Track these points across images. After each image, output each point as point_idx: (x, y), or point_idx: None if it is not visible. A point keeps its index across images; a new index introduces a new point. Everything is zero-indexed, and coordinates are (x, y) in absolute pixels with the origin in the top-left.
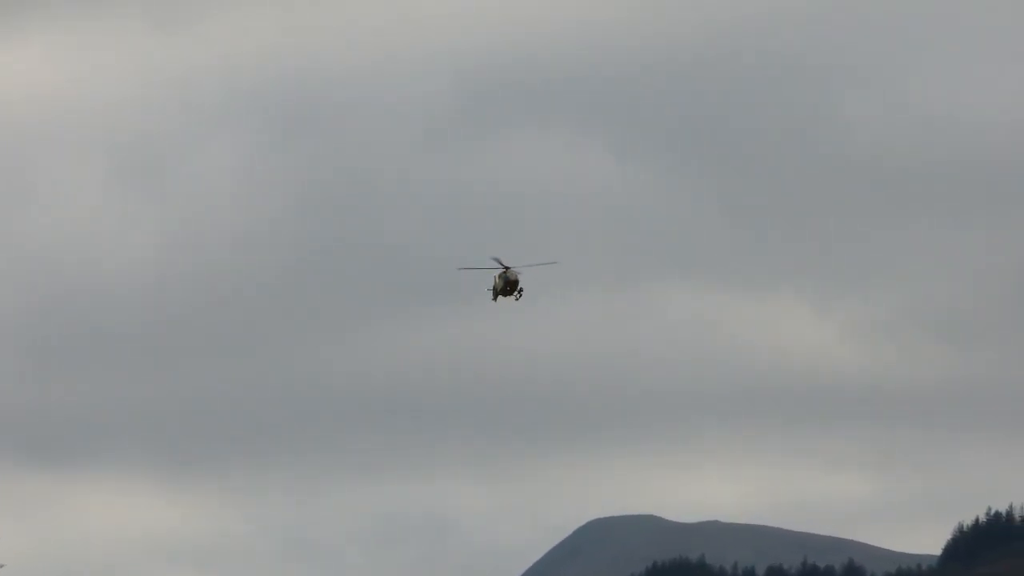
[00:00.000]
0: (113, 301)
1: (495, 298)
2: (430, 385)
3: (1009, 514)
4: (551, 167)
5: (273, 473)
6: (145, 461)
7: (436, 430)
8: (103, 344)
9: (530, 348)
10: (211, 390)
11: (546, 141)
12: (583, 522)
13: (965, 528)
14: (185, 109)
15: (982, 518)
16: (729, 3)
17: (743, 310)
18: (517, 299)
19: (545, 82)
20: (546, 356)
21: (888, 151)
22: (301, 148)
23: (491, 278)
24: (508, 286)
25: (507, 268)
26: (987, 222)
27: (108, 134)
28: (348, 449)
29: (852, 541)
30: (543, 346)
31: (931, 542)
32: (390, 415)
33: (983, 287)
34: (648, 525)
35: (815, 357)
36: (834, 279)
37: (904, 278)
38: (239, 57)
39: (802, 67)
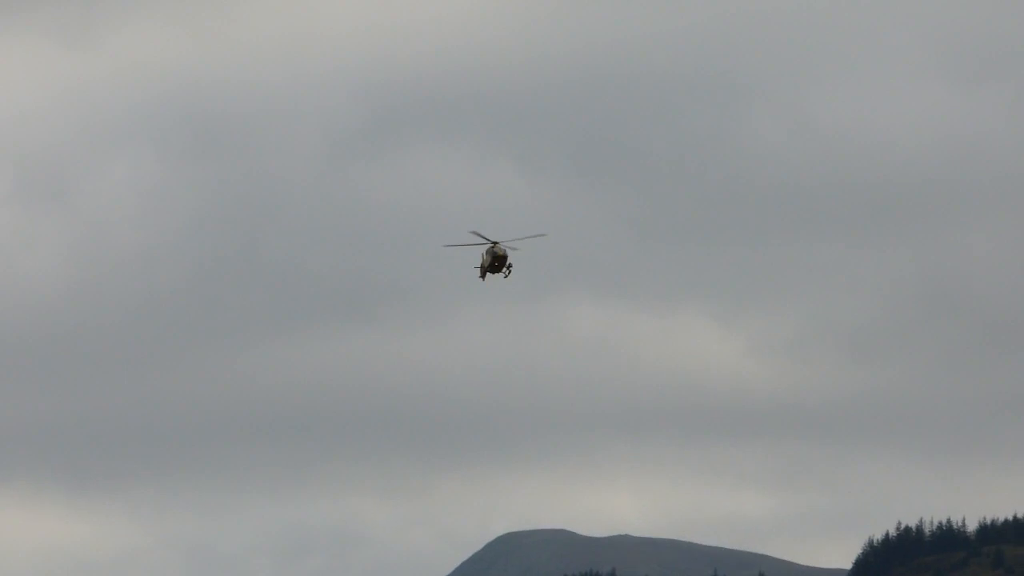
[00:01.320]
0: (13, 316)
1: (483, 275)
2: (338, 400)
3: (919, 528)
4: (455, 182)
5: (181, 489)
6: (48, 477)
7: (345, 445)
8: (1, 360)
9: (441, 364)
10: (115, 407)
11: (450, 156)
12: (494, 536)
13: (875, 542)
14: (88, 125)
15: (892, 532)
16: (636, 22)
17: (650, 327)
18: (506, 276)
19: (450, 97)
20: (456, 371)
21: (793, 170)
22: (205, 163)
23: (479, 255)
24: (496, 262)
25: (494, 243)
26: (890, 240)
27: (12, 148)
28: (256, 464)
29: (762, 555)
30: (454, 361)
31: (841, 556)
32: (298, 430)
33: (887, 304)
34: (559, 539)
35: (722, 373)
36: (739, 296)
37: (808, 295)
38: (143, 73)
39: (708, 86)
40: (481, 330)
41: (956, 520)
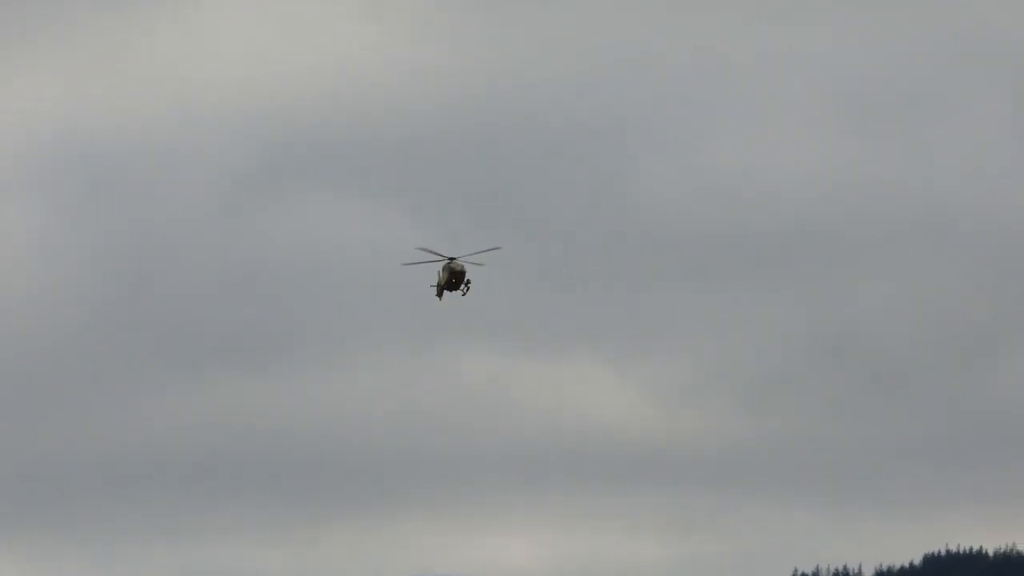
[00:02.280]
0: None
1: (440, 294)
2: (229, 448)
3: (816, 574)
4: (349, 231)
5: (61, 536)
6: None
7: (236, 493)
8: None
9: (332, 411)
10: None
11: (344, 205)
12: None
13: None
14: None
15: None
16: (529, 71)
17: (544, 373)
18: (464, 293)
19: (344, 145)
20: (349, 419)
21: (685, 217)
22: (94, 210)
23: (435, 273)
24: (453, 278)
25: (450, 259)
26: (782, 288)
27: None
28: (141, 512)
29: None
30: (346, 409)
31: None
32: (186, 478)
33: (780, 351)
34: None
35: (616, 420)
36: (633, 343)
37: (702, 342)
38: (29, 118)
39: (600, 134)
40: (374, 377)
41: (852, 566)
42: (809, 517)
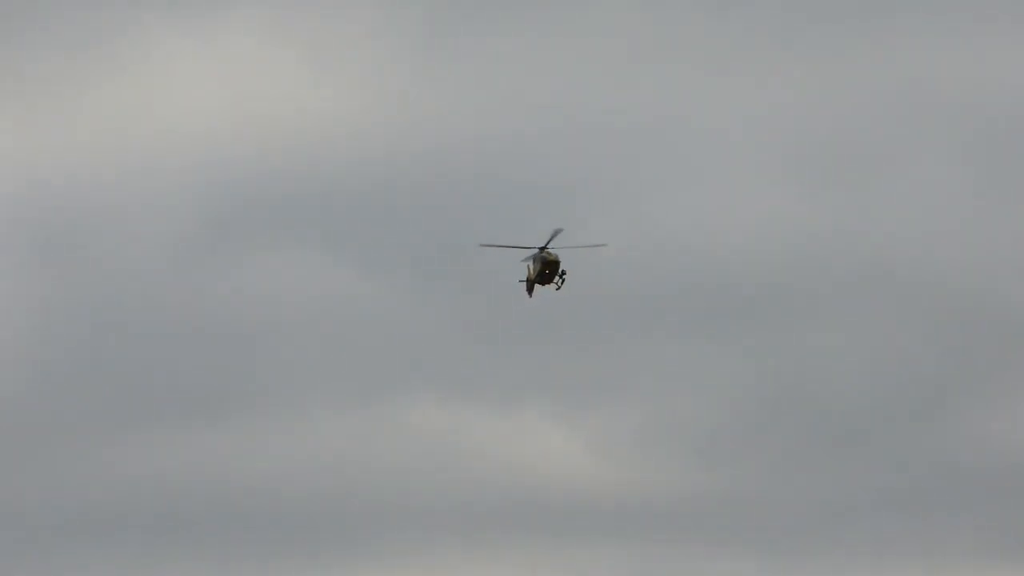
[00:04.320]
0: None
1: (530, 290)
2: (175, 502)
3: None
4: (299, 286)
5: None
6: None
7: (179, 546)
8: None
9: (280, 465)
10: None
11: (294, 260)
12: None
13: None
14: None
15: None
16: (474, 123)
17: (493, 427)
18: (559, 287)
19: (294, 200)
20: (296, 472)
21: (635, 270)
22: (44, 266)
23: (523, 266)
24: (547, 269)
25: (541, 249)
26: (735, 341)
27: None
28: (90, 567)
29: None
30: (293, 463)
31: None
32: (135, 532)
33: (731, 403)
34: None
35: (566, 473)
36: (582, 396)
37: (652, 395)
38: None
39: (548, 188)
40: (322, 431)
41: None
42: (760, 570)
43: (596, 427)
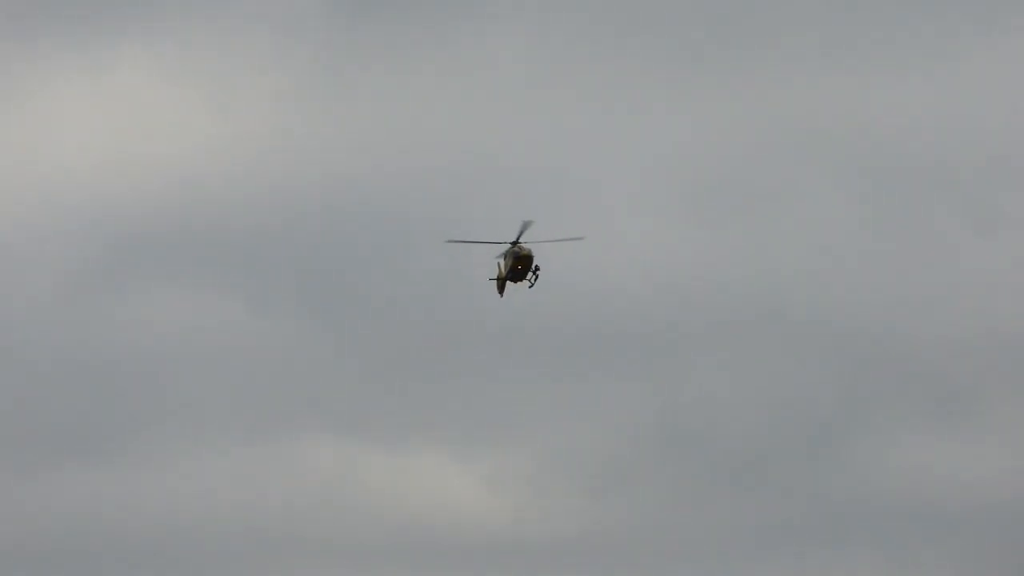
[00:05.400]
0: None
1: (502, 288)
2: (58, 543)
3: None
4: (185, 323)
5: None
6: None
7: None
8: None
9: (169, 505)
10: None
11: (181, 297)
12: None
13: None
14: None
15: None
16: (362, 161)
17: (386, 463)
18: (532, 284)
19: (180, 237)
20: (187, 512)
21: (526, 308)
22: None
23: (492, 262)
24: (519, 264)
25: (513, 243)
26: (628, 378)
27: None
28: None
29: None
30: (183, 503)
31: None
32: (14, 572)
33: (624, 438)
34: None
35: (460, 509)
36: (475, 432)
37: (545, 430)
38: None
39: (432, 226)
40: (212, 469)
41: None
42: None
43: (490, 464)
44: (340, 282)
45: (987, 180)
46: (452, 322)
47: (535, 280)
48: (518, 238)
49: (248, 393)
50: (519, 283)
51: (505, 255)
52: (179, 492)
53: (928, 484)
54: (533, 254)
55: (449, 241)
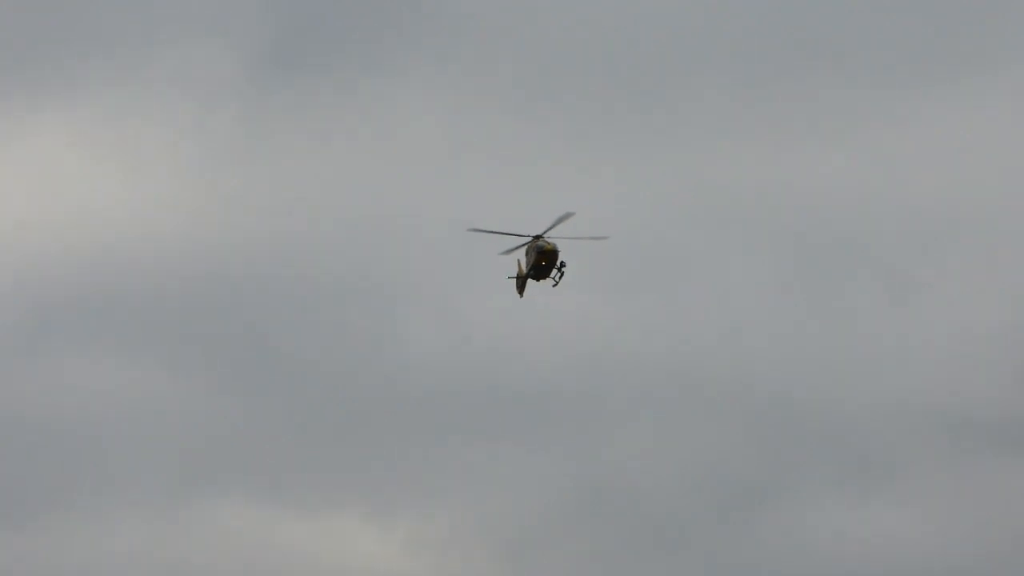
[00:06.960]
0: None
1: (522, 288)
2: None
3: None
4: (102, 386)
5: None
6: None
7: None
8: None
9: (90, 570)
10: None
11: (97, 360)
12: None
13: None
14: None
15: None
16: (282, 221)
17: (305, 527)
18: (556, 283)
19: (98, 299)
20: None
21: (446, 371)
22: None
23: (511, 258)
24: (543, 260)
25: (536, 237)
26: (546, 443)
27: None
28: None
29: None
30: (103, 566)
31: None
32: None
33: (542, 502)
34: None
35: (375, 573)
36: (394, 495)
37: (463, 494)
38: None
39: (360, 289)
40: (130, 532)
41: None
42: None
43: (407, 528)
44: (259, 345)
45: (902, 248)
46: (372, 385)
47: (560, 278)
48: (547, 231)
49: (164, 457)
50: (542, 281)
51: (528, 250)
52: (94, 558)
53: (847, 549)
54: (559, 249)
55: (472, 230)
